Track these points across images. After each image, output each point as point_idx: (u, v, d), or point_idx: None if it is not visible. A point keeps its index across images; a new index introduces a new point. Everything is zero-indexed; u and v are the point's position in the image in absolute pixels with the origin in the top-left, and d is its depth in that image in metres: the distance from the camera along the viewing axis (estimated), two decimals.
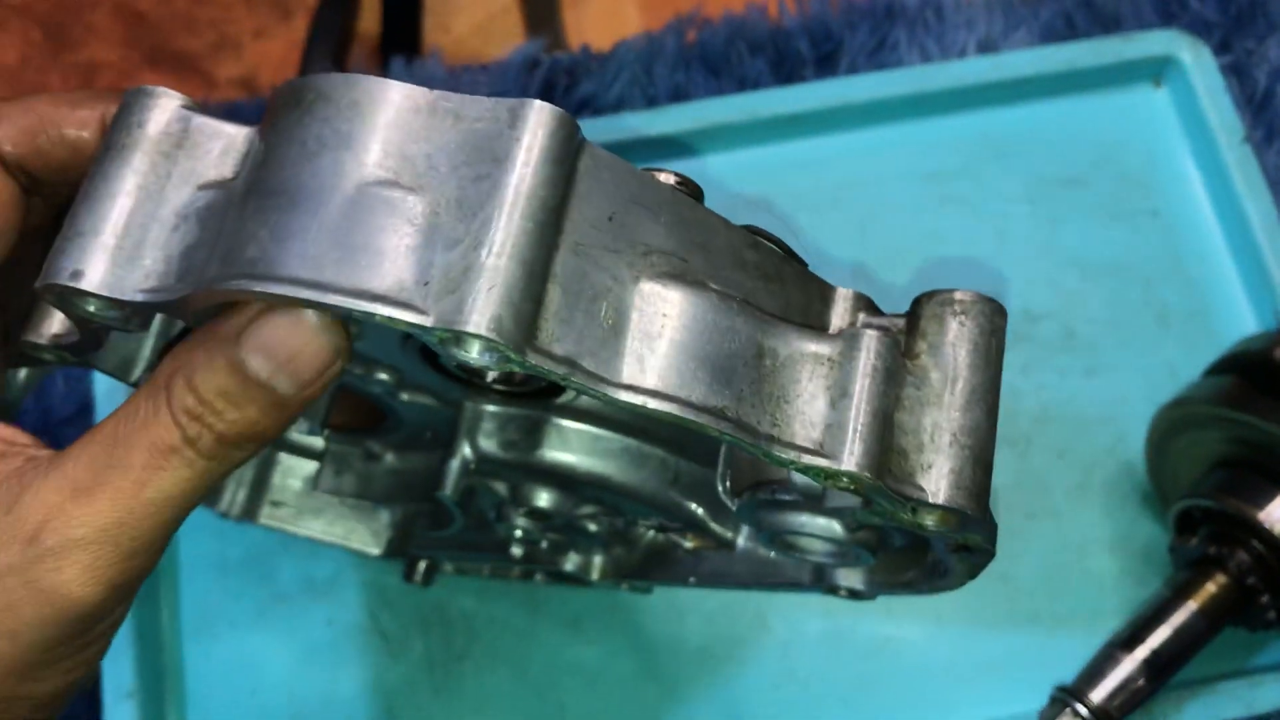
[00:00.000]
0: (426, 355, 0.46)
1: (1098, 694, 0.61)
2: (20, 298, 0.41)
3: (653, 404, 0.35)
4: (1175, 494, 0.66)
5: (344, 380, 0.52)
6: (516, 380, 0.49)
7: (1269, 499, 0.61)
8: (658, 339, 0.35)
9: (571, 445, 0.51)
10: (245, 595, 0.71)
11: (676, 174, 0.39)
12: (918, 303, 0.40)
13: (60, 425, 0.73)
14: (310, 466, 0.64)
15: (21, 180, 0.40)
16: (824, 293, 0.40)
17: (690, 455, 0.53)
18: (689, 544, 0.59)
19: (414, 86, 0.35)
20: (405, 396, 0.52)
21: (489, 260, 0.33)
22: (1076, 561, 0.70)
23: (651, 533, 0.60)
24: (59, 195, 0.41)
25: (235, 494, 0.64)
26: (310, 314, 0.34)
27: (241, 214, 0.34)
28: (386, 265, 0.33)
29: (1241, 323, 0.74)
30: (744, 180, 0.77)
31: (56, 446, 0.37)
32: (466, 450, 0.52)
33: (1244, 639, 0.65)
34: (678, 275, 0.36)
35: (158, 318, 0.45)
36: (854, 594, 0.54)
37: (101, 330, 0.39)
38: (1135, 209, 0.77)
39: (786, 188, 0.77)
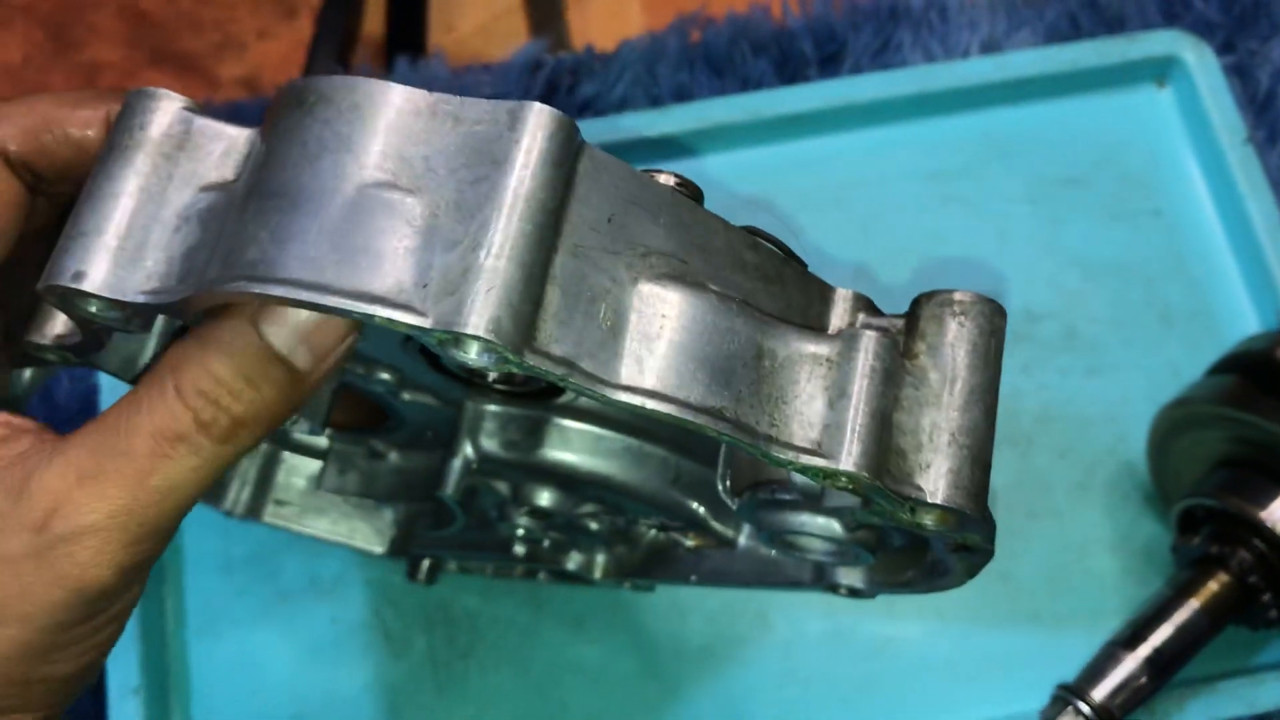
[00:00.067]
0: (428, 355, 0.46)
1: (1099, 692, 0.61)
2: (23, 298, 0.41)
3: (651, 405, 0.35)
4: (1177, 493, 0.66)
5: (346, 380, 0.52)
6: (517, 380, 0.50)
7: (1271, 498, 0.61)
8: (656, 340, 0.36)
9: (573, 445, 0.51)
10: (250, 593, 0.71)
11: (676, 175, 0.39)
12: (917, 303, 0.40)
13: (64, 425, 0.73)
14: (314, 465, 0.65)
15: (26, 179, 0.40)
16: (824, 293, 0.41)
17: (691, 455, 0.53)
18: (690, 543, 0.59)
19: (414, 89, 0.35)
20: (407, 396, 0.52)
21: (487, 262, 0.33)
22: (1078, 561, 0.70)
23: (653, 532, 0.60)
24: (63, 195, 0.41)
25: (240, 492, 0.64)
26: None
27: (242, 216, 0.34)
28: (386, 267, 0.33)
29: (1244, 322, 0.75)
30: (747, 180, 0.78)
31: None
32: (468, 450, 0.52)
33: (1246, 638, 0.65)
34: (677, 276, 0.36)
35: (159, 318, 0.45)
36: (854, 593, 0.54)
37: (103, 331, 0.39)
38: (1138, 209, 0.77)
39: (789, 188, 0.78)
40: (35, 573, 0.35)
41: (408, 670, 0.70)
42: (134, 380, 0.49)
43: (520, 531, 0.56)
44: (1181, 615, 0.62)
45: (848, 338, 0.38)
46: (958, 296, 0.40)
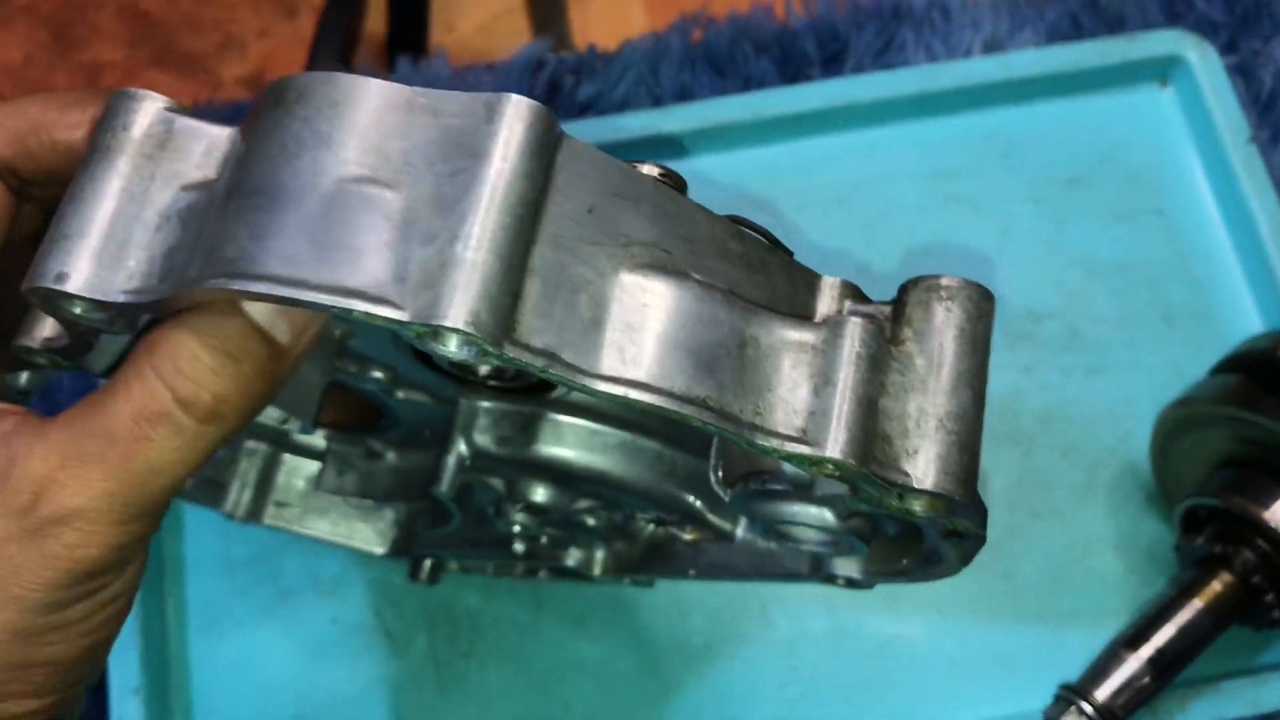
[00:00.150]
0: (419, 353, 0.46)
1: (1102, 692, 0.61)
2: (13, 303, 0.41)
3: (634, 395, 0.35)
4: (1180, 493, 0.66)
5: (340, 379, 0.52)
6: (509, 376, 0.49)
7: (1274, 498, 0.61)
8: (639, 330, 0.35)
9: (566, 440, 0.51)
10: (251, 593, 0.71)
11: (660, 166, 0.39)
12: (904, 289, 0.40)
13: None
14: (314, 467, 0.65)
15: (11, 185, 0.40)
16: (810, 281, 0.40)
17: (686, 448, 0.53)
18: (688, 536, 0.59)
19: (392, 84, 0.35)
20: (401, 394, 0.52)
21: (465, 254, 0.33)
22: (1081, 560, 0.70)
23: (652, 526, 0.60)
24: (50, 199, 0.41)
25: (240, 495, 0.64)
26: None
27: (222, 214, 0.35)
28: (364, 262, 0.33)
29: (1246, 322, 0.74)
30: (749, 180, 0.78)
31: None
32: (462, 447, 0.52)
33: (1249, 638, 0.65)
34: (659, 266, 0.36)
35: (144, 319, 0.45)
36: (851, 583, 0.54)
37: (89, 332, 0.39)
38: (1140, 209, 0.77)
39: (791, 187, 0.77)
40: (24, 555, 0.35)
41: (409, 669, 0.70)
42: None
43: (517, 528, 0.55)
44: (1184, 615, 0.62)
45: (833, 324, 0.38)
46: (944, 281, 0.40)
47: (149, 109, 0.37)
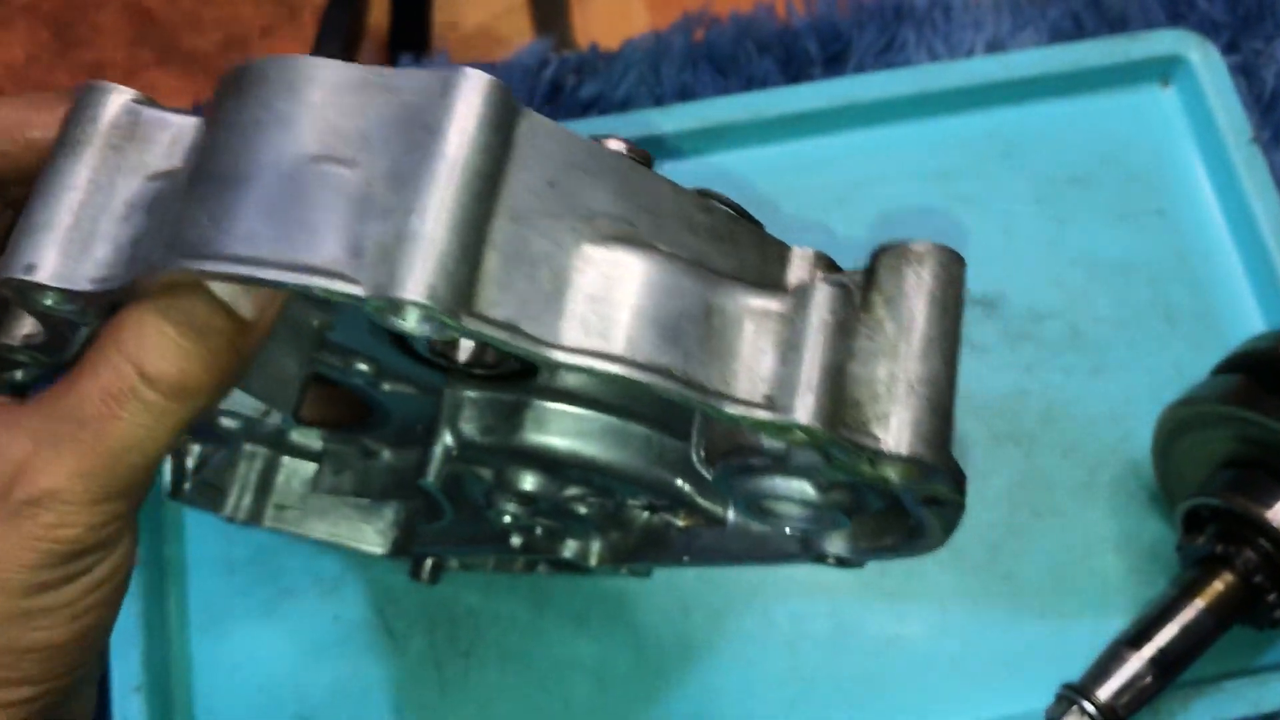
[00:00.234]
0: (402, 344, 0.46)
1: (1104, 692, 0.61)
2: None
3: (598, 365, 0.35)
4: (1182, 493, 0.66)
5: (325, 372, 0.52)
6: (490, 363, 0.49)
7: (1276, 498, 0.61)
8: (602, 301, 0.36)
9: (552, 426, 0.51)
10: (252, 592, 0.71)
11: (626, 141, 0.39)
12: (875, 256, 0.40)
13: None
14: (312, 469, 0.65)
15: None
16: (781, 253, 0.40)
17: (674, 432, 0.53)
18: (681, 523, 0.59)
19: (349, 64, 0.35)
20: (387, 387, 0.52)
21: (421, 228, 0.33)
22: (1083, 560, 0.70)
23: (646, 514, 0.60)
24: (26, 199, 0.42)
25: (240, 499, 0.64)
26: None
27: (185, 199, 0.35)
28: (320, 239, 0.33)
29: (1249, 322, 0.74)
30: (751, 179, 0.78)
31: None
32: (448, 437, 0.52)
33: (1251, 638, 0.65)
34: (623, 238, 0.36)
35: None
36: (842, 561, 0.53)
37: (64, 325, 0.39)
38: (1142, 208, 0.77)
39: (793, 187, 0.77)
40: (3, 538, 0.35)
41: (410, 668, 0.70)
42: None
43: (508, 519, 0.55)
44: (1187, 615, 0.62)
45: (799, 292, 0.38)
46: (915, 247, 0.40)
47: (116, 102, 0.38)
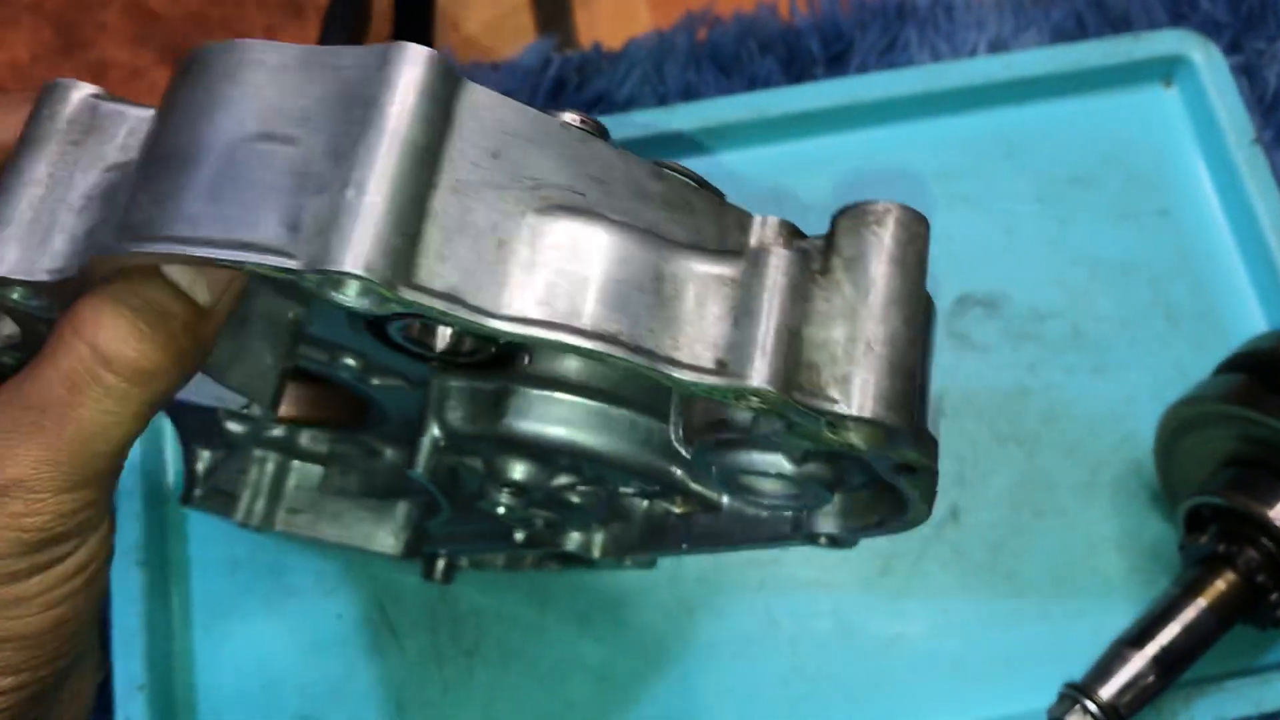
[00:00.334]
0: (383, 335, 0.46)
1: (1107, 691, 0.61)
2: None
3: (540, 333, 0.35)
4: (1184, 492, 0.66)
5: (312, 368, 0.52)
6: (468, 350, 0.49)
7: (1278, 497, 0.61)
8: (547, 269, 0.36)
9: (535, 413, 0.50)
10: (255, 590, 0.71)
11: (579, 113, 0.39)
12: (835, 219, 0.40)
13: None
14: (322, 472, 0.65)
15: None
16: (742, 221, 0.40)
17: (661, 416, 0.53)
18: (678, 510, 0.58)
19: (292, 44, 0.36)
20: (376, 381, 0.53)
21: (357, 201, 0.33)
22: (1085, 559, 0.70)
23: (645, 503, 0.60)
24: None
25: (252, 504, 0.65)
26: None
27: (134, 185, 0.36)
28: (259, 216, 0.34)
29: (1250, 322, 0.75)
30: (754, 178, 0.78)
31: None
32: (435, 428, 0.52)
33: (1253, 637, 0.65)
34: (570, 207, 0.36)
35: None
36: (833, 541, 0.53)
37: (36, 321, 0.40)
38: (1145, 208, 0.77)
39: (796, 186, 0.78)
40: None
41: (413, 666, 0.70)
42: None
43: (502, 510, 0.55)
44: (1189, 614, 0.62)
45: (753, 257, 0.38)
46: (873, 207, 0.39)
47: (75, 97, 0.39)
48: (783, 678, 0.69)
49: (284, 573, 0.72)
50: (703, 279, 0.37)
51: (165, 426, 0.73)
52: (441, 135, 0.35)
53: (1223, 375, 0.66)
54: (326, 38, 1.21)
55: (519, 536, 0.60)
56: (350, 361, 0.51)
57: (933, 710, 0.68)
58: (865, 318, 0.38)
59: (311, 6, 1.31)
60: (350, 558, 0.70)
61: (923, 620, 0.70)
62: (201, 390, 0.48)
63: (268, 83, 0.35)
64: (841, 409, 0.37)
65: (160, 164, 0.35)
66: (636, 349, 0.36)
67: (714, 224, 0.39)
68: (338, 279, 0.33)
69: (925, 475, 0.42)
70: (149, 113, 0.38)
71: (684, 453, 0.45)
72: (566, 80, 0.82)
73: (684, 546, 0.59)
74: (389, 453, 0.61)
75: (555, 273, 0.36)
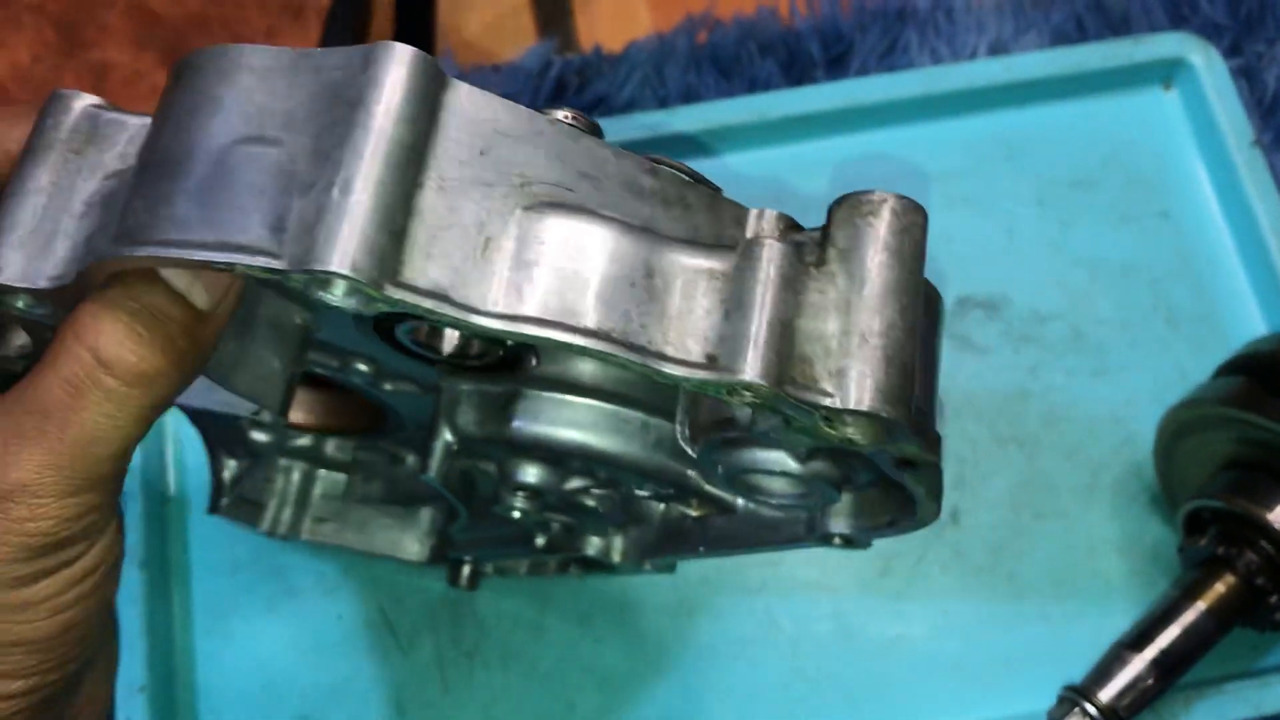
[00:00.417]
0: (392, 340, 0.46)
1: (1106, 693, 0.62)
2: None
3: (529, 330, 0.35)
4: (1184, 495, 0.66)
5: (325, 373, 0.52)
6: (475, 353, 0.49)
7: (1277, 500, 0.61)
8: (535, 266, 0.36)
9: (547, 416, 0.50)
10: (256, 591, 0.72)
11: (572, 110, 0.39)
12: (830, 210, 0.40)
13: None
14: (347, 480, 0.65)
15: None
16: (738, 215, 0.40)
17: (673, 418, 0.53)
18: (694, 513, 0.58)
19: (280, 48, 0.36)
20: (389, 386, 0.53)
21: (341, 200, 0.33)
22: (1085, 562, 0.70)
23: (661, 507, 0.60)
24: None
25: (279, 513, 0.65)
26: None
27: (130, 191, 0.36)
28: (245, 218, 0.34)
29: (1250, 324, 0.75)
30: (754, 181, 0.78)
31: None
32: (447, 432, 0.52)
33: (1252, 639, 0.65)
34: (559, 204, 0.36)
35: None
36: (847, 541, 0.52)
37: (44, 329, 0.40)
38: (1145, 211, 0.77)
39: (796, 189, 0.78)
40: None
41: (414, 668, 0.70)
42: None
43: (517, 514, 0.55)
44: (1188, 617, 0.62)
45: (745, 250, 0.37)
46: (869, 197, 0.39)
47: (77, 107, 0.39)
48: (783, 679, 0.69)
49: (285, 574, 0.72)
50: (694, 273, 0.37)
51: (166, 429, 0.73)
52: (427, 133, 0.35)
53: (1222, 378, 0.66)
54: (327, 39, 1.21)
55: (540, 542, 0.60)
56: (362, 367, 0.51)
57: (933, 712, 0.68)
58: (859, 309, 0.37)
59: (312, 8, 1.31)
60: (351, 558, 0.71)
61: (923, 622, 0.70)
62: (210, 396, 0.48)
63: (256, 86, 0.35)
64: (836, 402, 0.37)
65: (154, 169, 0.36)
66: (626, 344, 0.36)
67: (709, 218, 0.39)
68: (324, 278, 0.33)
69: (928, 470, 0.42)
70: (146, 120, 0.38)
71: (690, 451, 0.45)
72: (567, 83, 0.82)
73: (701, 549, 0.59)
74: (410, 459, 0.62)
75: (544, 269, 0.36)
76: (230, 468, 0.64)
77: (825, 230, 0.39)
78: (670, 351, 0.36)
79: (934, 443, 0.40)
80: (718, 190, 0.41)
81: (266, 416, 0.55)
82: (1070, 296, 0.75)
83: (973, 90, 0.78)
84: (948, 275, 0.74)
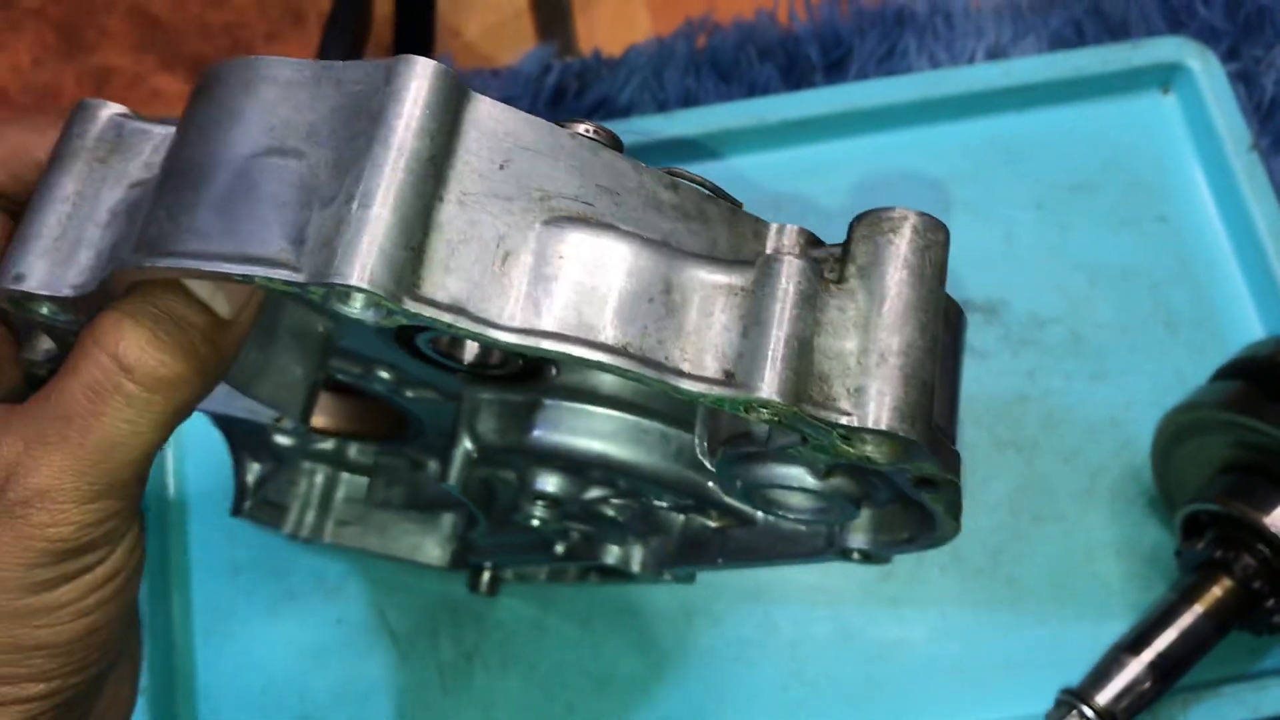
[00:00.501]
0: (414, 348, 0.46)
1: (1104, 696, 0.62)
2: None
3: (546, 345, 0.35)
4: (1181, 498, 0.66)
5: (347, 380, 0.52)
6: (496, 362, 0.49)
7: (1275, 504, 0.61)
8: (553, 281, 0.36)
9: (567, 426, 0.51)
10: (257, 593, 0.72)
11: (593, 124, 0.39)
12: (851, 226, 0.39)
13: None
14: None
15: (5, 206, 0.42)
16: (758, 229, 0.40)
17: (693, 429, 0.53)
18: (714, 523, 0.58)
19: (303, 60, 0.36)
20: (410, 394, 0.53)
21: (360, 213, 0.33)
22: (1083, 565, 0.70)
23: (681, 517, 0.60)
24: None
25: (302, 516, 0.65)
26: None
27: (153, 200, 0.36)
28: (266, 230, 0.34)
29: (1248, 328, 0.75)
30: (753, 185, 0.78)
31: None
32: (467, 441, 0.52)
33: (1249, 643, 0.66)
34: (579, 218, 0.36)
35: None
36: (865, 556, 0.53)
37: (68, 335, 0.40)
38: (1143, 215, 0.78)
39: (795, 193, 0.78)
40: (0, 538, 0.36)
41: (414, 671, 0.70)
42: None
43: (536, 522, 0.55)
44: (1185, 620, 0.62)
45: (763, 266, 0.37)
46: (890, 214, 0.39)
47: (102, 116, 0.40)
48: (782, 683, 0.69)
49: (285, 577, 0.72)
50: (712, 288, 0.37)
51: None
52: (448, 147, 0.35)
53: (1220, 382, 0.66)
54: (327, 43, 1.21)
55: (559, 549, 0.61)
56: (384, 374, 0.51)
57: (931, 714, 0.68)
58: (879, 327, 0.37)
59: (313, 13, 1.31)
60: (350, 561, 0.71)
61: (922, 625, 0.70)
62: (231, 402, 0.48)
63: (279, 98, 0.36)
64: (854, 421, 0.36)
65: (176, 179, 0.36)
66: (643, 360, 0.36)
67: (728, 233, 0.39)
68: (342, 292, 0.33)
69: (947, 489, 0.42)
70: (170, 130, 0.38)
71: (708, 465, 0.45)
72: (566, 87, 0.82)
73: (720, 561, 0.58)
74: (432, 465, 0.62)
75: (562, 284, 0.36)
76: (254, 471, 0.64)
77: (845, 247, 0.39)
78: (687, 368, 0.36)
79: (953, 461, 0.40)
80: (738, 204, 0.41)
81: (288, 423, 0.55)
82: (1069, 300, 0.76)
83: (971, 94, 0.78)
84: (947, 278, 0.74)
